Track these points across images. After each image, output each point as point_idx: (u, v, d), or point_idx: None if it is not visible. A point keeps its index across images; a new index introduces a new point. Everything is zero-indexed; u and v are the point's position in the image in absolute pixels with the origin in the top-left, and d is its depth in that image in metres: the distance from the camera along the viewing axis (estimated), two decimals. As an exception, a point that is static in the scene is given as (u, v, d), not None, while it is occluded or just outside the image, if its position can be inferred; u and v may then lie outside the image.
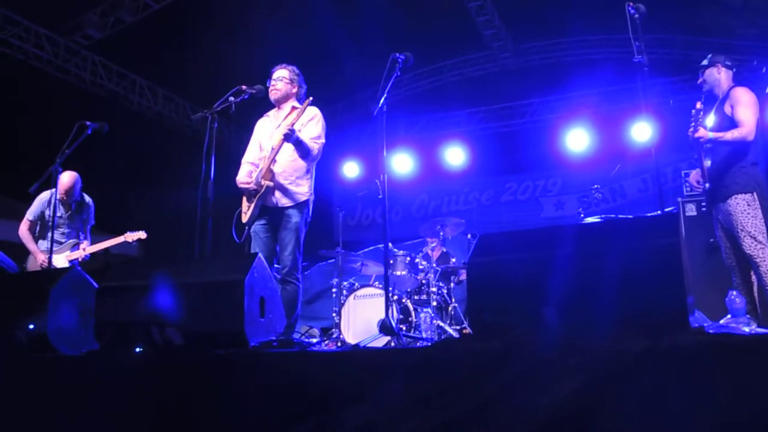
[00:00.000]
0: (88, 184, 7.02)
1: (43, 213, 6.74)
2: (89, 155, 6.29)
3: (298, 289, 5.00)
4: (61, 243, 6.78)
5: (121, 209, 6.89)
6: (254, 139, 5.50)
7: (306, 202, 5.21)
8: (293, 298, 4.92)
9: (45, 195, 6.68)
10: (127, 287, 3.70)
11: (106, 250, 7.02)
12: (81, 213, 6.94)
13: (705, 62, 5.20)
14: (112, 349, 3.52)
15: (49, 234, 6.31)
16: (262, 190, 5.05)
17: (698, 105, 4.90)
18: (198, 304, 3.44)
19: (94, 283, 4.10)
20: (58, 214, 6.71)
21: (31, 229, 6.79)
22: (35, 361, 3.61)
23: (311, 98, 5.14)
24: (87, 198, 7.00)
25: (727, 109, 4.94)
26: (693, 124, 4.84)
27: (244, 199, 5.25)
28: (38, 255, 6.63)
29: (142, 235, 6.86)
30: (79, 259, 6.70)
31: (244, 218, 5.17)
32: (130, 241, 6.91)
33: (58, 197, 6.39)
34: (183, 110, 11.91)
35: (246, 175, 5.28)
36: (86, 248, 6.80)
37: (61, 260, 6.69)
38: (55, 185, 5.91)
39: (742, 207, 4.79)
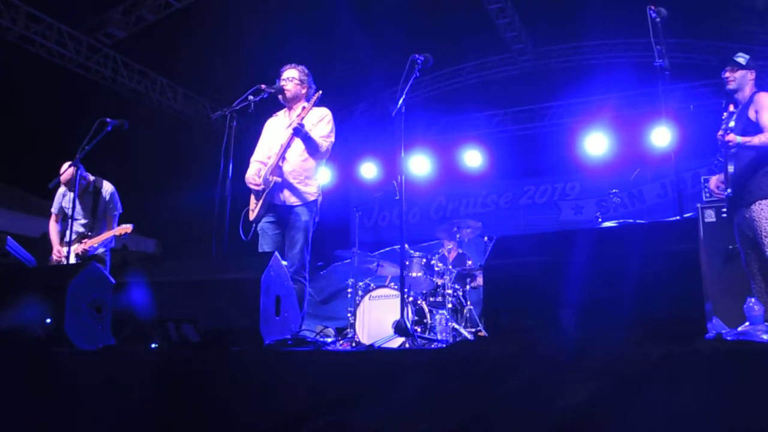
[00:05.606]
0: (107, 180, 7.03)
1: (61, 205, 6.77)
2: (109, 152, 6.33)
3: (305, 288, 5.02)
4: (78, 233, 6.69)
5: (139, 206, 6.89)
6: (263, 138, 5.52)
7: (315, 201, 5.24)
8: (300, 297, 4.90)
9: (61, 189, 6.72)
10: (144, 283, 3.71)
11: (124, 246, 7.01)
12: (97, 202, 6.77)
13: (741, 60, 4.97)
14: (128, 344, 3.54)
15: (69, 226, 6.38)
16: (270, 187, 5.08)
17: (731, 108, 4.83)
18: (214, 301, 3.45)
19: (112, 279, 4.13)
20: (71, 206, 6.69)
21: (57, 221, 6.85)
22: (52, 356, 3.64)
23: (320, 92, 5.16)
24: (105, 185, 6.84)
25: (752, 114, 4.85)
26: (724, 126, 4.77)
27: (253, 197, 5.28)
28: (55, 249, 6.67)
29: (128, 228, 6.71)
30: (79, 253, 6.53)
31: (252, 216, 5.20)
32: (119, 234, 6.78)
33: (66, 189, 6.61)
34: (202, 108, 11.97)
35: (255, 173, 5.30)
36: (87, 242, 6.64)
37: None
38: (75, 180, 5.95)
39: (766, 213, 4.72)
